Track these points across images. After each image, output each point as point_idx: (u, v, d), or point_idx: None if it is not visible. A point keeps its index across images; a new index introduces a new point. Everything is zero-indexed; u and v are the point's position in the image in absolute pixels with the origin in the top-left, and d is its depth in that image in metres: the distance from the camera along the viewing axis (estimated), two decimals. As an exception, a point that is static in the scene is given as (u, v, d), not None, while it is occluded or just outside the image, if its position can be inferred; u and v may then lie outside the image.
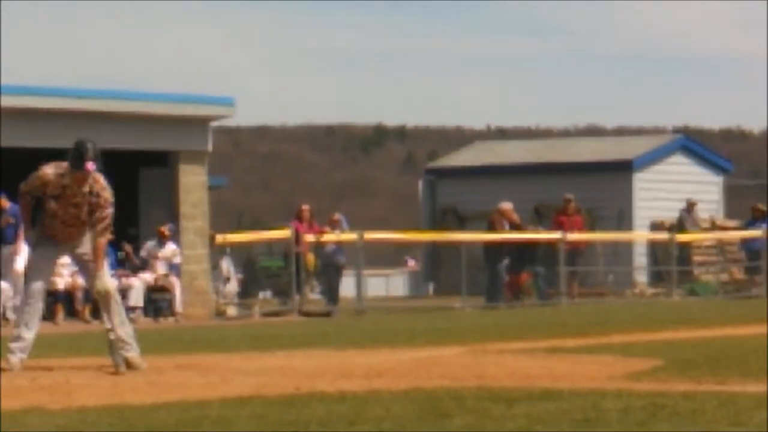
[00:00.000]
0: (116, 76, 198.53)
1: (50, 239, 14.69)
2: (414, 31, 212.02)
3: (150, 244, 29.96)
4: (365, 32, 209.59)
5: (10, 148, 26.05)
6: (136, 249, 30.33)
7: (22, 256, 24.38)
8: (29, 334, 14.46)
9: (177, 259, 29.89)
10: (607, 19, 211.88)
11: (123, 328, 14.55)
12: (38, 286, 14.57)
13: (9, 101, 26.91)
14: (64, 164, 14.32)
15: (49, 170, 14.35)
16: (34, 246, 15.10)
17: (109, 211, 14.54)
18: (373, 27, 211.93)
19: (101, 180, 14.48)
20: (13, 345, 14.39)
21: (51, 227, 14.55)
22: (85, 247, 14.67)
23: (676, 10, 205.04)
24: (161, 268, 29.73)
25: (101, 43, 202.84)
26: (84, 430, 8.99)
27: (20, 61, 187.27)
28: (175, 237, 29.95)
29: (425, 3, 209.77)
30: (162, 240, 29.76)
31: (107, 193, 14.49)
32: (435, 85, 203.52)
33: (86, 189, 14.40)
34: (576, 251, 36.70)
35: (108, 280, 14.92)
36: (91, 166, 14.23)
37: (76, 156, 14.24)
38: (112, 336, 14.36)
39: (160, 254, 29.75)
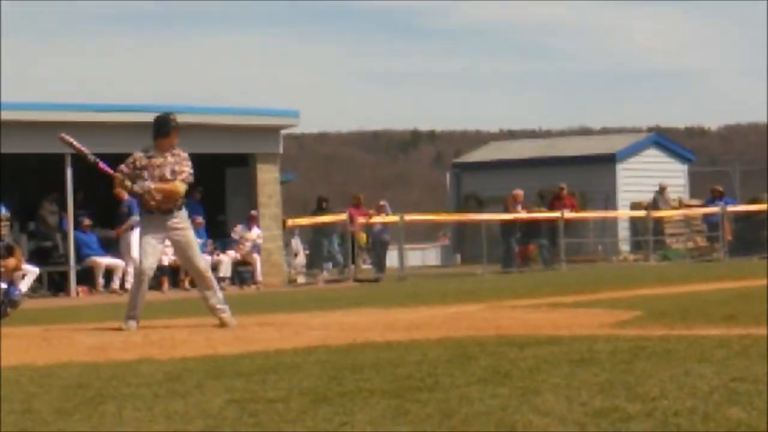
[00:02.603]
0: (208, 92, 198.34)
1: (150, 213, 14.51)
2: (442, 54, 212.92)
3: (240, 228, 30.12)
4: (403, 56, 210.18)
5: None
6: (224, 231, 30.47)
7: (135, 242, 22.77)
8: (141, 304, 14.43)
9: (259, 239, 30.04)
10: (592, 41, 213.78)
11: (216, 295, 14.58)
12: (147, 265, 14.48)
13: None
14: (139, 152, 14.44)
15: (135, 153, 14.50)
16: (142, 231, 14.87)
17: (187, 169, 14.49)
18: (409, 52, 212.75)
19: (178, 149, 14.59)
20: (129, 312, 14.38)
21: (147, 197, 14.38)
22: (175, 219, 14.40)
23: (650, 34, 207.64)
24: (246, 246, 29.97)
25: (201, 65, 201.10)
26: (185, 375, 8.76)
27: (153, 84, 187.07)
28: (256, 222, 30.10)
29: (452, 31, 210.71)
30: (249, 224, 30.04)
31: (184, 154, 14.56)
32: (458, 97, 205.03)
33: (168, 156, 14.44)
34: (571, 227, 36.66)
35: (201, 260, 15.02)
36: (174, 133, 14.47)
37: (163, 125, 14.51)
38: (214, 306, 14.47)
39: (247, 236, 29.90)
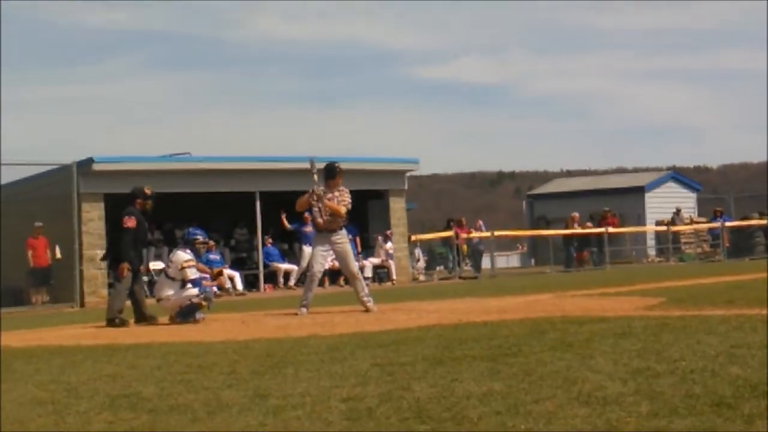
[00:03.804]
0: (356, 146, 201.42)
1: (320, 232, 14.61)
2: (519, 118, 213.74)
3: (380, 240, 29.72)
4: (491, 119, 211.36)
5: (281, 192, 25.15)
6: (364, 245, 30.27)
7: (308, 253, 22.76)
8: (310, 296, 14.53)
9: (392, 250, 29.66)
10: (626, 106, 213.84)
11: (364, 290, 14.63)
12: (317, 269, 14.60)
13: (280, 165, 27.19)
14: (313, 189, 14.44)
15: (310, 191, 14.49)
16: (314, 244, 14.92)
17: (348, 198, 14.61)
18: (496, 117, 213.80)
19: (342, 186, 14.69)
20: (302, 302, 14.47)
21: (318, 221, 14.56)
22: (337, 236, 14.53)
23: (669, 100, 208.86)
24: (383, 255, 29.76)
25: (356, 128, 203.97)
26: (341, 346, 8.68)
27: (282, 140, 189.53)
28: (390, 237, 29.78)
29: (526, 99, 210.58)
30: (386, 239, 29.59)
31: (346, 191, 14.64)
32: (531, 147, 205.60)
33: (336, 191, 14.56)
34: (613, 239, 36.06)
35: (354, 265, 14.93)
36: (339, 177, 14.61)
37: (331, 170, 14.66)
38: (362, 297, 14.48)
39: (385, 246, 29.61)
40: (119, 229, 14.56)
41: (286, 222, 27.56)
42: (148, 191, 14.74)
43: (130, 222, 14.34)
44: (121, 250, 14.42)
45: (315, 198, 14.48)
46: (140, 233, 14.63)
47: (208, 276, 14.90)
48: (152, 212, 15.18)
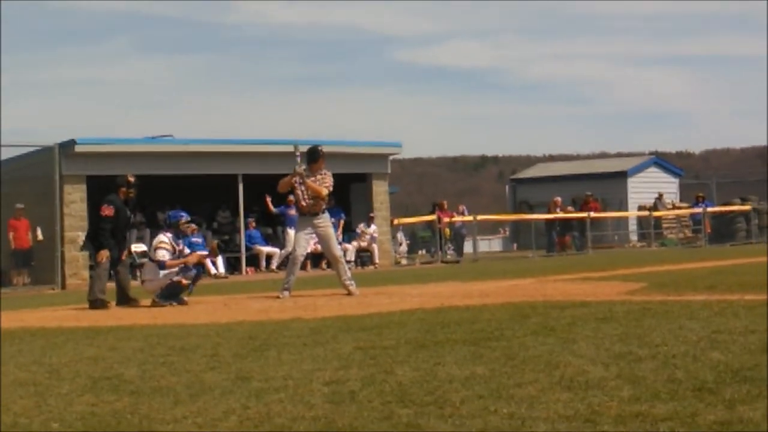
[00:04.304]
0: (341, 129, 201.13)
1: (303, 215, 14.58)
2: (503, 103, 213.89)
3: (362, 225, 29.51)
4: (475, 104, 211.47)
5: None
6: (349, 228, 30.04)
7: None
8: (293, 280, 14.48)
9: (375, 234, 29.44)
10: (610, 92, 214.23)
11: (346, 273, 14.58)
12: (299, 252, 14.62)
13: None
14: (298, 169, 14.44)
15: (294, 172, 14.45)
16: (297, 228, 14.99)
17: (329, 181, 14.57)
18: (481, 101, 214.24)
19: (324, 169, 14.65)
20: (284, 285, 14.45)
21: (301, 204, 14.53)
22: (319, 219, 14.49)
23: (652, 86, 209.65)
24: (366, 238, 29.51)
25: (338, 111, 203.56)
26: (324, 330, 8.71)
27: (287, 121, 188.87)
28: (373, 221, 29.53)
29: (512, 87, 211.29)
30: (369, 222, 29.41)
31: (329, 174, 14.58)
32: (514, 131, 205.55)
33: (318, 174, 14.50)
34: (595, 223, 35.66)
35: (336, 248, 14.93)
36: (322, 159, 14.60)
37: (313, 153, 14.62)
38: (345, 281, 14.43)
39: (367, 230, 29.37)
40: (97, 217, 14.77)
41: (271, 205, 27.48)
42: (131, 179, 14.83)
43: (108, 210, 14.48)
44: (99, 238, 14.59)
45: (298, 179, 14.45)
46: (120, 221, 14.71)
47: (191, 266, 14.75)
48: (135, 200, 15.32)
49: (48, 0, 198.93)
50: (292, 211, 24.13)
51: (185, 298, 14.18)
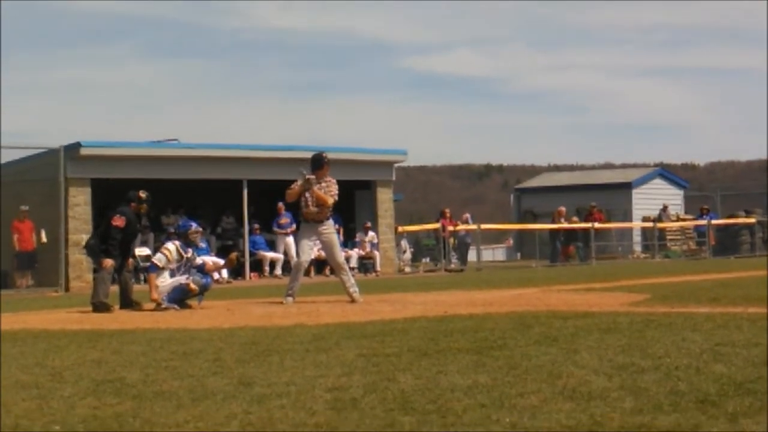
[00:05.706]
0: (344, 136, 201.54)
1: (307, 222, 14.58)
2: (508, 112, 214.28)
3: (360, 234, 29.66)
4: (480, 113, 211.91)
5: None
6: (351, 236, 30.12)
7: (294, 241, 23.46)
8: (296, 286, 14.59)
9: (376, 240, 29.52)
10: (616, 103, 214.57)
11: (350, 280, 14.63)
12: (303, 259, 14.64)
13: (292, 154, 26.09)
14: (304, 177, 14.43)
15: (299, 180, 14.54)
16: (301, 234, 15.00)
17: (335, 189, 14.56)
18: (486, 111, 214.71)
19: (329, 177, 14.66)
20: (288, 291, 14.52)
21: (305, 211, 14.52)
22: (324, 227, 14.51)
23: (658, 98, 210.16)
24: (367, 246, 29.65)
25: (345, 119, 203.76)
26: (327, 336, 8.73)
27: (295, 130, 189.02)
28: (373, 228, 29.54)
29: (517, 95, 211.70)
30: (366, 230, 29.49)
31: (333, 181, 14.61)
32: (519, 141, 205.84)
33: (323, 182, 14.50)
34: (599, 234, 35.64)
35: (340, 255, 14.97)
36: (326, 166, 14.62)
37: (318, 160, 14.66)
38: (348, 288, 14.48)
39: (365, 238, 29.50)
40: (108, 225, 14.91)
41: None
42: (142, 195, 15.05)
43: (119, 221, 14.69)
44: (108, 246, 14.77)
45: (305, 186, 14.42)
46: (129, 234, 15.01)
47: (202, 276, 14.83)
48: (147, 215, 15.80)
49: (53, 0, 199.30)
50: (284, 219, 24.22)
51: (192, 304, 14.29)
